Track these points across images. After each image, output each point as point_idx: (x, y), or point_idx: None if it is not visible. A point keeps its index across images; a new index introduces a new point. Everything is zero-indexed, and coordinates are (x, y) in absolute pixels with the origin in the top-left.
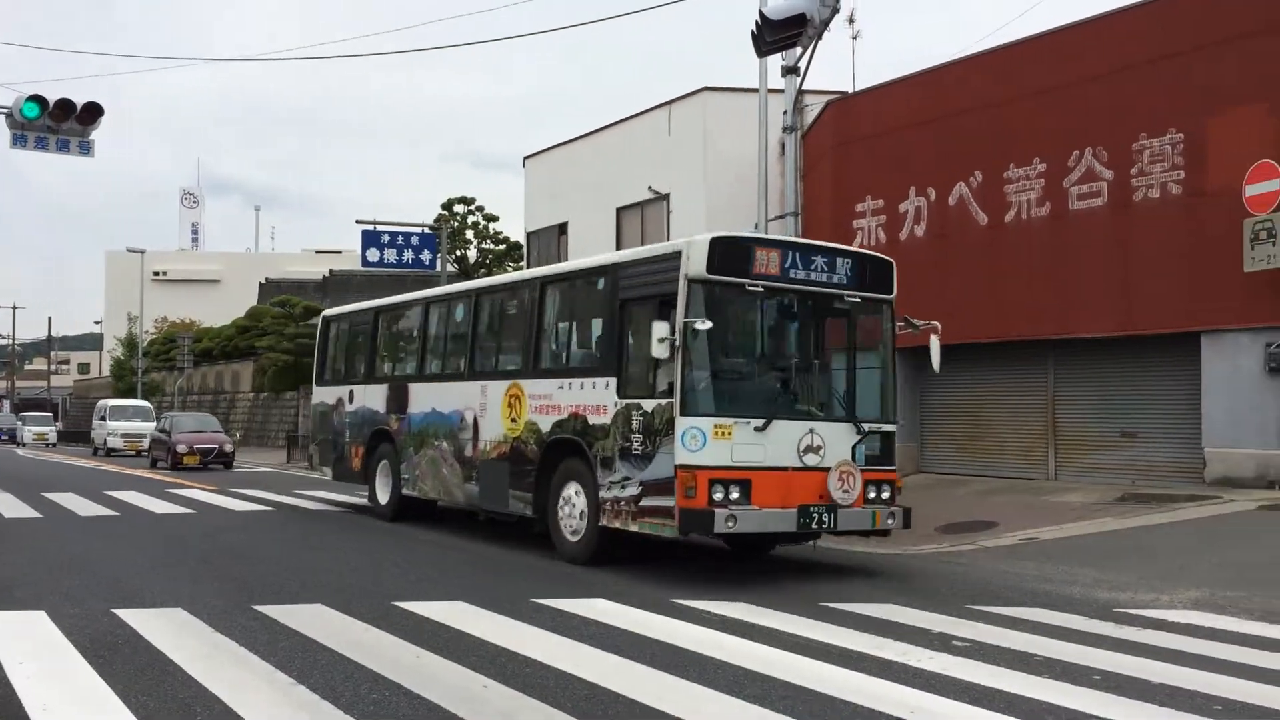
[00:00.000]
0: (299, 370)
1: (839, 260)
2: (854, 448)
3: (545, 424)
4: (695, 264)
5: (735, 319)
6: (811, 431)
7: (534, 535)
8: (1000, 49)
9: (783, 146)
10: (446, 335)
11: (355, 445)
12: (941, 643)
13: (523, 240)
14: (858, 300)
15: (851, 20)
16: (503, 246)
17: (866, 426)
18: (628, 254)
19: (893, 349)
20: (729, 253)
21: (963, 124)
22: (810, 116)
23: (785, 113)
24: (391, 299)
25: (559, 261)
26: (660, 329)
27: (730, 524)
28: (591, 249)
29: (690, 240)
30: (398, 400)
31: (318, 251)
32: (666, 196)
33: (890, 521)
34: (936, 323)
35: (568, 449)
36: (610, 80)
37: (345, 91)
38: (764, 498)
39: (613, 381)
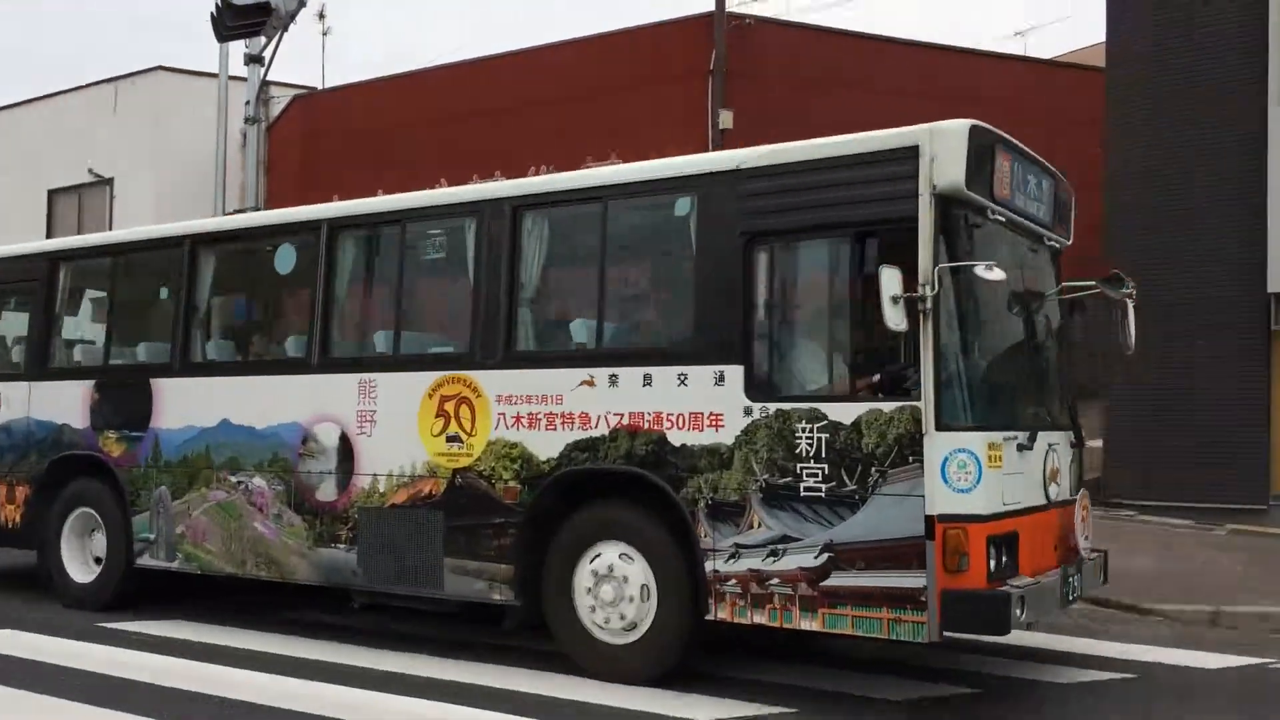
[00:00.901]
0: None
1: (1046, 183)
2: (1071, 467)
3: (543, 446)
4: (948, 168)
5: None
6: (1051, 448)
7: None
8: (473, 61)
9: (244, 137)
10: (257, 296)
11: (10, 484)
12: None
13: None
14: (1057, 246)
15: (322, 16)
16: None
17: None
18: (752, 158)
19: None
20: (980, 155)
21: (434, 130)
22: (277, 109)
23: (248, 103)
24: (92, 238)
25: None
26: (891, 280)
27: (1023, 614)
28: (14, 237)
29: (934, 127)
30: (124, 407)
31: None
32: (110, 181)
33: (1101, 580)
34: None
35: (605, 492)
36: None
37: None
38: (1030, 561)
39: (731, 372)
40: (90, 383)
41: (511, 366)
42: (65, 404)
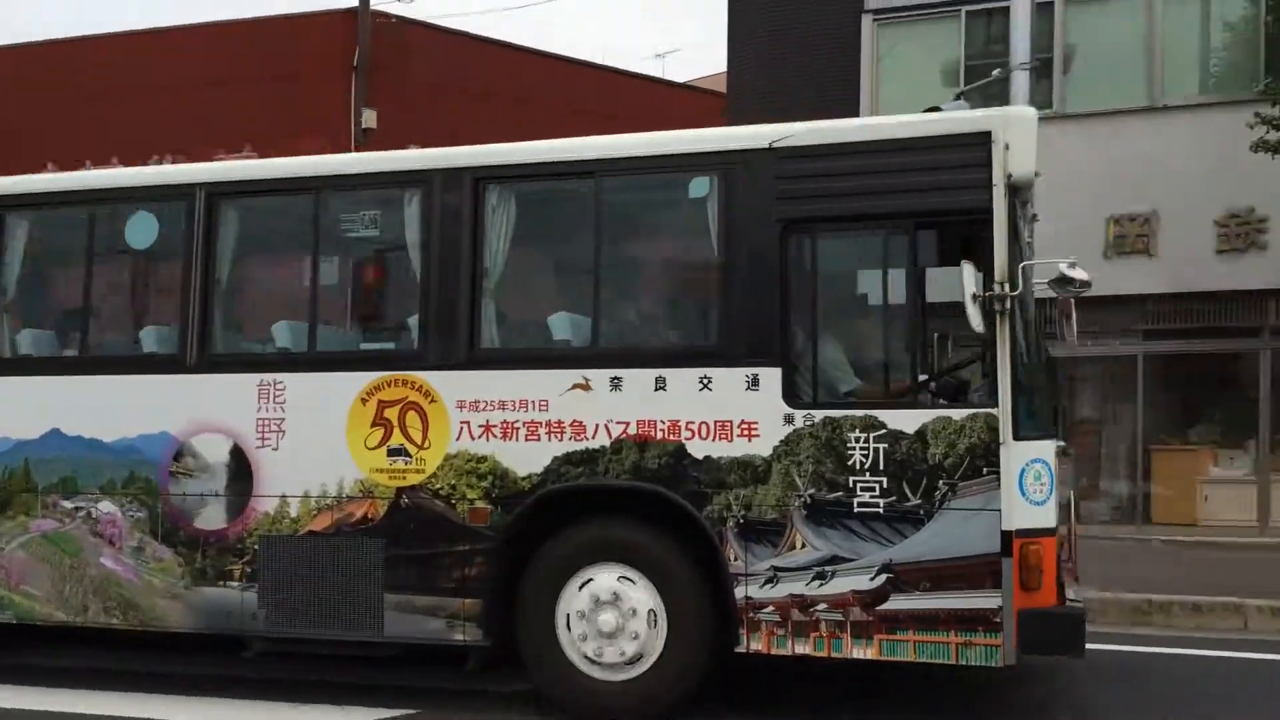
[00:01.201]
0: None
1: None
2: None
3: (524, 459)
4: (1022, 157)
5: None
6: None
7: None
8: (94, 38)
9: None
10: (97, 275)
11: None
12: None
13: None
14: None
15: None
16: None
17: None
18: (788, 133)
19: None
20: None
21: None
22: None
23: None
24: None
25: None
26: (972, 278)
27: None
28: None
29: (1005, 112)
30: None
31: None
32: None
33: None
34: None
35: (603, 510)
36: None
37: None
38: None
39: (768, 375)
40: None
41: (478, 367)
42: None
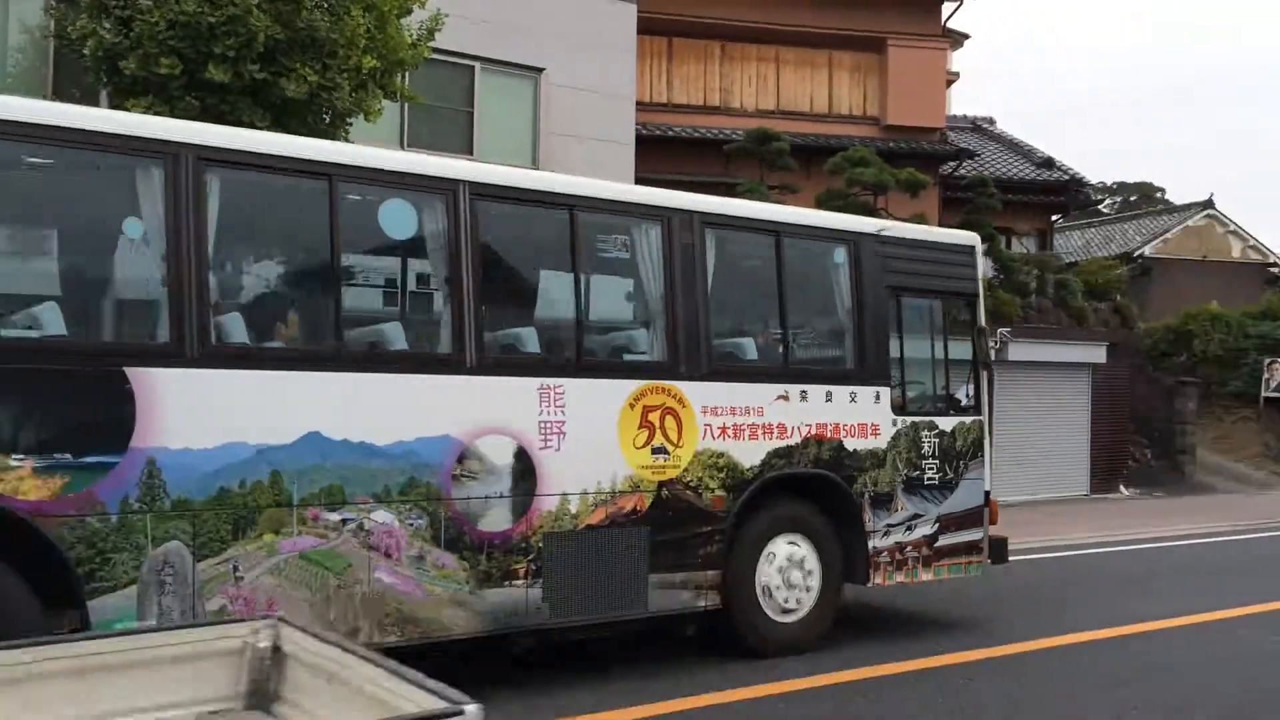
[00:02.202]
0: None
1: None
2: None
3: (747, 454)
4: (981, 264)
5: None
6: None
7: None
8: None
9: None
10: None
11: None
12: None
13: None
14: None
15: None
16: None
17: None
18: (886, 226)
19: None
20: None
21: None
22: None
23: None
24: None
25: None
26: (986, 335)
27: None
28: None
29: (972, 236)
30: (58, 414)
31: None
32: None
33: None
34: None
35: (781, 491)
36: None
37: None
38: None
39: (885, 393)
40: None
41: (716, 380)
42: None
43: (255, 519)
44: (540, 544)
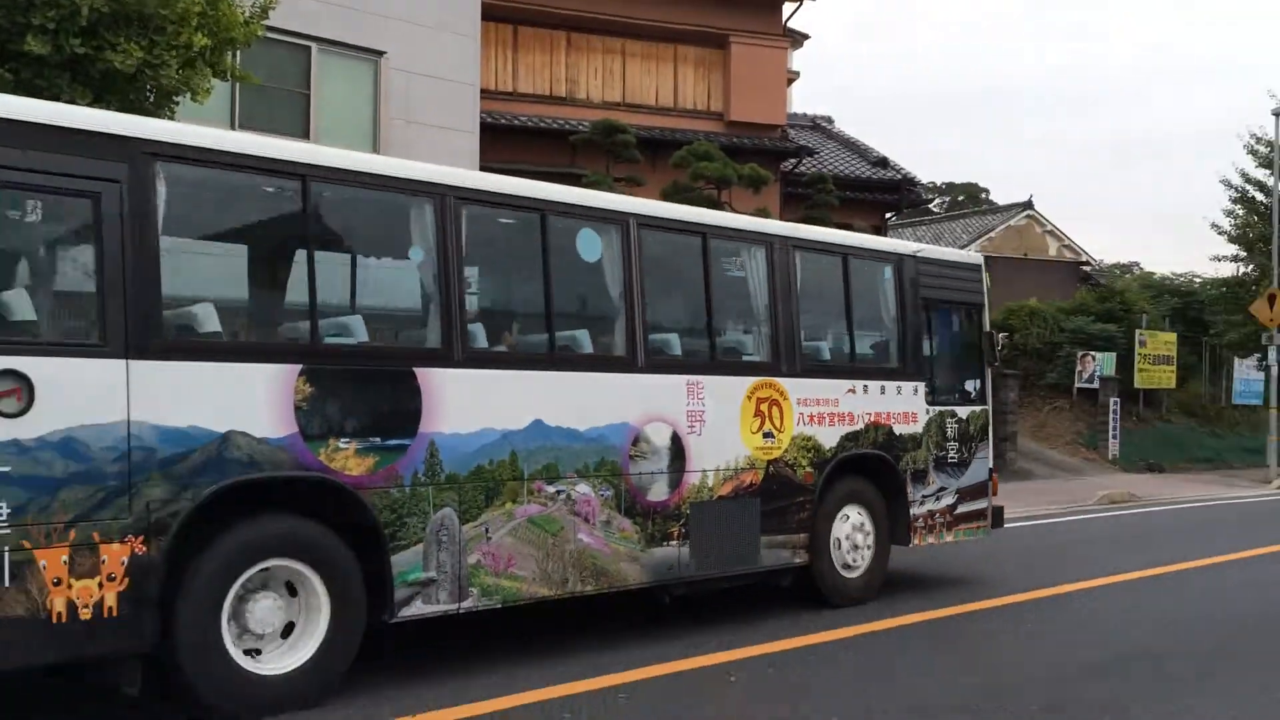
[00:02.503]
0: None
1: None
2: None
3: (827, 438)
4: (985, 280)
5: None
6: None
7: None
8: None
9: None
10: (557, 279)
11: (82, 544)
12: None
13: None
14: None
15: None
16: None
17: None
18: (920, 249)
19: None
20: None
21: None
22: None
23: None
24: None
25: None
26: (994, 338)
27: None
28: None
29: (979, 256)
30: (369, 404)
31: None
32: None
33: None
34: None
35: (849, 468)
36: None
37: None
38: None
39: (921, 386)
40: (286, 368)
41: (806, 376)
42: (226, 399)
43: (500, 490)
44: (688, 511)
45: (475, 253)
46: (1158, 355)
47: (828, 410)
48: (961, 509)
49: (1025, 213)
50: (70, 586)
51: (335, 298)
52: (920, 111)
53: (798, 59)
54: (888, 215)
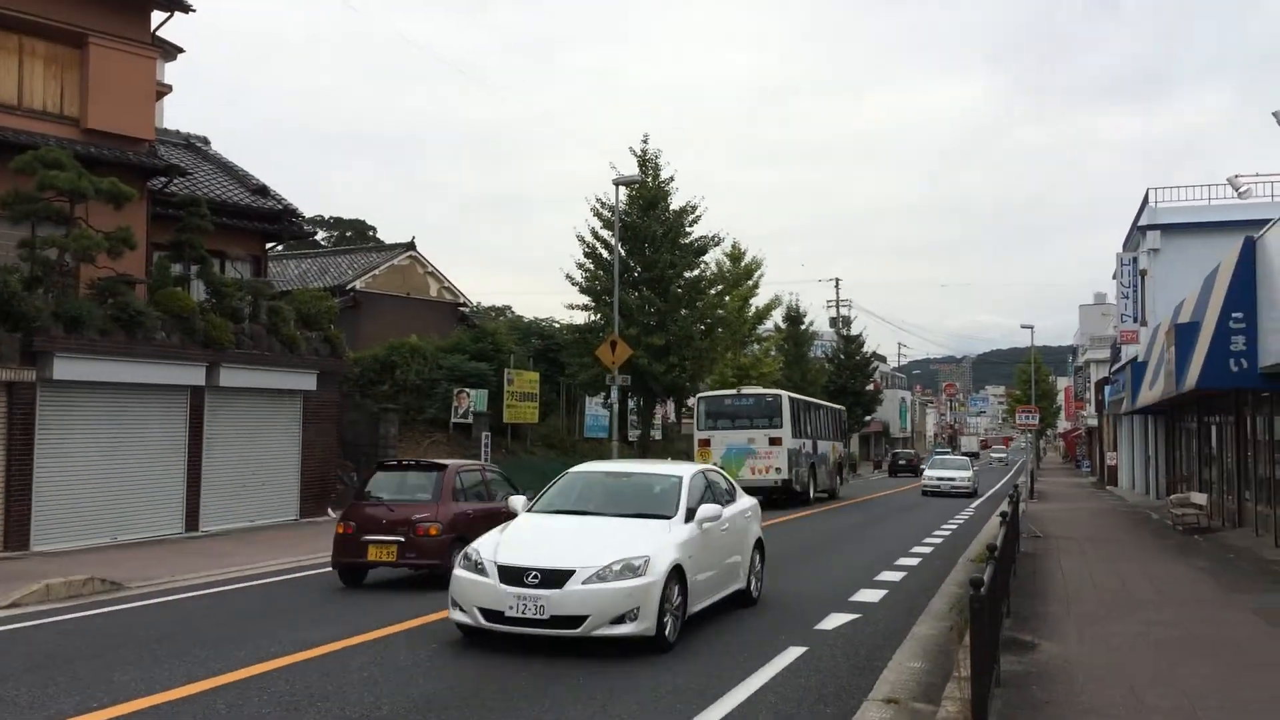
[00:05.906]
0: None
1: None
2: None
3: None
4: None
5: None
6: None
7: None
8: None
9: None
10: None
11: None
12: None
13: None
14: None
15: None
16: None
17: None
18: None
19: None
20: None
21: None
22: None
23: None
24: None
25: None
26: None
27: None
28: None
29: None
30: None
31: None
32: None
33: None
34: None
35: None
36: None
37: None
38: None
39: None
40: None
41: None
42: None
43: None
44: None
45: None
46: (524, 392)
47: None
48: None
49: (408, 253)
50: None
51: None
52: (312, 145)
53: (171, 72)
54: (269, 245)
